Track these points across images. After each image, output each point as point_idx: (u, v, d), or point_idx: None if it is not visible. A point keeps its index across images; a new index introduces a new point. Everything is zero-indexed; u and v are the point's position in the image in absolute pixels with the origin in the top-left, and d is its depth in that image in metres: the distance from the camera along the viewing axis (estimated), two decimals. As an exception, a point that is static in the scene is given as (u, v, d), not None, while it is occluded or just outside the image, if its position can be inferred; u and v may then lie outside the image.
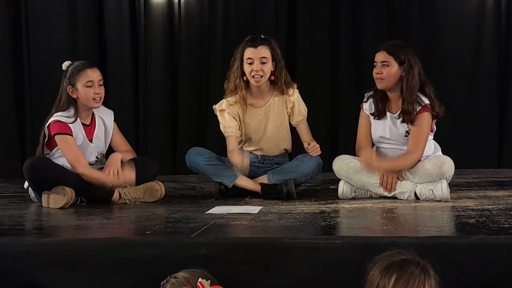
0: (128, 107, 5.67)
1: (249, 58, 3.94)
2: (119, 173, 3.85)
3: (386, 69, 3.83)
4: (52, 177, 3.76)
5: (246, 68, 3.96)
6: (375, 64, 3.87)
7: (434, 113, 3.84)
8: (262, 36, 4.04)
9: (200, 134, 5.69)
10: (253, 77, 3.95)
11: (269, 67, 3.97)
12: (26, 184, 3.97)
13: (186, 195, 4.26)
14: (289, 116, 4.11)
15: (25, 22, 5.66)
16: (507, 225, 2.88)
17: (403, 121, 3.84)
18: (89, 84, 3.85)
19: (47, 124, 3.85)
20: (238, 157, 3.84)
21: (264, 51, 3.95)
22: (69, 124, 3.84)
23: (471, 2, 5.64)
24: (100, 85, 3.90)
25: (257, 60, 3.93)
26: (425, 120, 3.82)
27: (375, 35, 5.55)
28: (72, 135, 3.83)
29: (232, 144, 3.98)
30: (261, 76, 3.95)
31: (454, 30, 5.63)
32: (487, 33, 5.60)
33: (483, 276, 2.54)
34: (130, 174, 3.83)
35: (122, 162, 3.93)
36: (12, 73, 5.70)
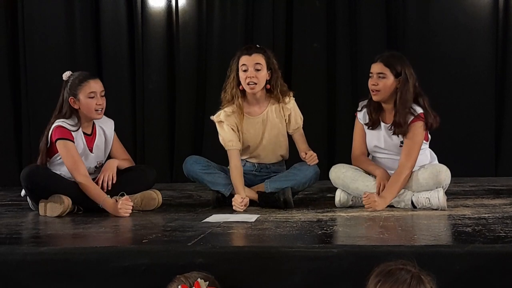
0: (126, 116, 5.67)
1: (243, 65, 3.96)
2: (113, 179, 3.85)
3: (382, 81, 3.82)
4: (49, 186, 3.76)
5: (241, 75, 3.98)
6: (370, 75, 3.86)
7: (427, 123, 3.84)
8: (258, 46, 4.07)
9: (197, 142, 5.69)
10: (248, 84, 3.96)
11: (263, 74, 3.98)
12: (23, 192, 3.97)
13: (183, 204, 4.26)
14: (286, 124, 4.11)
15: (21, 30, 5.65)
16: (503, 234, 2.89)
17: (394, 133, 3.84)
18: (91, 95, 3.85)
19: (50, 131, 3.84)
20: (238, 198, 3.84)
21: (258, 58, 3.97)
22: (72, 132, 3.84)
23: (469, 11, 5.65)
24: (102, 96, 3.90)
25: (252, 66, 3.95)
26: (418, 130, 3.81)
27: (372, 43, 5.55)
28: (73, 142, 3.83)
29: (234, 159, 3.99)
30: (256, 83, 3.96)
31: (451, 39, 5.63)
32: (484, 42, 5.61)
33: (478, 285, 2.54)
34: (127, 203, 3.72)
35: (118, 168, 3.94)
36: (9, 81, 5.69)
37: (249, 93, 4.02)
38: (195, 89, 5.76)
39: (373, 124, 3.92)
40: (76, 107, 3.87)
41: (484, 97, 5.64)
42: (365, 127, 3.96)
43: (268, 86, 4.04)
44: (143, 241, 2.93)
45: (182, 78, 5.73)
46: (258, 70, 3.95)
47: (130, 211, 3.70)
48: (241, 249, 2.75)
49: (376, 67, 3.85)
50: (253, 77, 3.95)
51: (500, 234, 2.89)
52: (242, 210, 3.80)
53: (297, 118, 4.12)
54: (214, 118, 4.10)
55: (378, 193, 3.78)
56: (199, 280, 2.38)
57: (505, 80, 5.65)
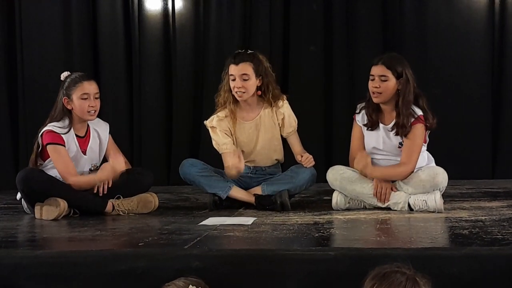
0: (122, 119, 5.65)
1: (231, 75, 3.97)
2: (109, 183, 3.84)
3: (384, 83, 3.81)
4: (45, 189, 3.75)
5: (231, 84, 3.99)
6: (372, 77, 3.85)
7: (427, 124, 3.85)
8: (249, 51, 4.05)
9: (194, 145, 5.67)
10: (236, 92, 3.96)
11: (251, 83, 3.98)
12: (18, 195, 3.96)
13: (180, 207, 4.25)
14: (280, 127, 4.11)
15: (19, 34, 5.64)
16: (500, 236, 2.88)
17: (397, 134, 3.84)
18: (84, 96, 3.85)
19: (40, 134, 3.85)
20: (233, 159, 3.85)
21: (245, 68, 3.96)
22: (62, 135, 3.83)
23: (465, 13, 5.65)
24: (96, 98, 3.89)
25: (239, 77, 3.95)
26: (419, 131, 3.82)
27: (369, 46, 5.55)
28: (64, 146, 3.82)
29: (228, 161, 3.99)
30: (244, 92, 3.96)
31: (448, 42, 5.63)
32: (481, 45, 5.61)
33: (476, 288, 2.54)
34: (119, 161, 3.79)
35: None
36: (6, 84, 5.68)
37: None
38: (192, 92, 5.75)
39: (372, 125, 3.92)
40: (69, 107, 3.87)
41: (480, 100, 5.63)
42: (364, 129, 3.96)
43: (259, 93, 4.04)
44: (139, 244, 2.92)
45: (179, 81, 5.72)
46: (245, 80, 3.95)
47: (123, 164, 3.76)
48: (237, 252, 2.74)
49: (378, 69, 3.84)
50: (240, 87, 3.95)
51: (497, 236, 2.89)
52: (238, 162, 3.80)
53: (291, 121, 4.11)
54: (207, 123, 4.10)
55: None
56: (190, 287, 2.35)
57: (502, 83, 5.65)
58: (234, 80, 3.96)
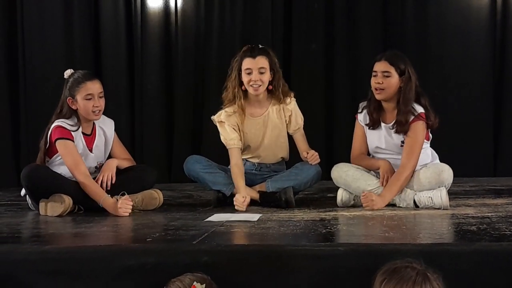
0: (124, 116, 5.64)
1: (247, 69, 3.94)
2: (113, 179, 3.83)
3: (387, 79, 3.81)
4: (50, 185, 3.74)
5: (245, 78, 3.96)
6: (374, 74, 3.85)
7: (428, 122, 3.83)
8: (260, 46, 4.04)
9: (196, 143, 5.67)
10: (251, 86, 3.95)
11: (267, 76, 3.98)
12: (22, 192, 3.94)
13: (184, 203, 4.24)
14: (286, 125, 4.10)
15: (20, 33, 5.62)
16: (509, 232, 2.88)
17: (396, 132, 3.83)
18: (88, 97, 3.82)
19: (49, 131, 3.82)
20: (240, 198, 3.80)
21: (262, 61, 3.95)
22: (72, 132, 3.82)
23: (466, 12, 5.65)
24: (100, 97, 3.87)
25: (256, 70, 3.94)
26: (419, 129, 3.80)
27: (370, 45, 5.55)
28: (73, 141, 3.81)
29: (235, 158, 3.99)
30: (260, 85, 3.95)
31: (449, 41, 5.63)
32: (482, 44, 5.61)
33: (486, 284, 2.53)
34: (126, 202, 3.69)
35: (118, 168, 3.93)
36: (7, 83, 5.66)
37: (252, 94, 4.01)
38: (193, 90, 5.74)
39: (374, 124, 3.91)
40: (74, 107, 3.85)
41: (482, 99, 5.64)
42: (366, 128, 3.95)
43: (271, 87, 4.03)
44: (147, 239, 2.90)
45: (181, 79, 5.71)
46: (262, 73, 3.94)
47: (130, 210, 3.68)
48: (246, 248, 2.73)
49: (381, 66, 3.83)
50: (257, 80, 3.93)
51: (506, 232, 2.89)
52: (243, 209, 3.78)
53: (298, 118, 4.11)
54: (215, 118, 4.09)
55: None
56: (195, 284, 2.34)
57: (503, 81, 5.65)
58: (250, 73, 3.94)
